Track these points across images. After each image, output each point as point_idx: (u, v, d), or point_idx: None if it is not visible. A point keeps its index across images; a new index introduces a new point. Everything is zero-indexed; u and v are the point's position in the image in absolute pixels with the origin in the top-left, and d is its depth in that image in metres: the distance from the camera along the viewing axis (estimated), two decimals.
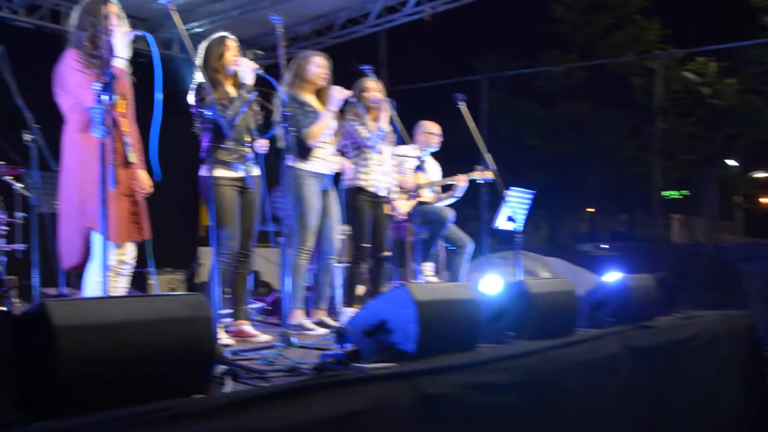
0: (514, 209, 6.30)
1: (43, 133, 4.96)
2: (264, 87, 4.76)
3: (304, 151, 5.17)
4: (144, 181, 4.21)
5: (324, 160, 5.27)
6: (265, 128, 4.91)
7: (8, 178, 6.34)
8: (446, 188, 6.95)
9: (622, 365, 4.37)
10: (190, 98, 4.67)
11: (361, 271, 5.68)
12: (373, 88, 5.75)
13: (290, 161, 5.03)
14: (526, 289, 4.19)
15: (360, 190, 5.68)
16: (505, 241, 7.35)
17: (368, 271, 5.73)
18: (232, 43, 4.81)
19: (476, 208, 6.30)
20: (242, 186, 4.74)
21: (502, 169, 6.29)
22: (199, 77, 4.65)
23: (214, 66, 4.70)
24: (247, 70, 4.69)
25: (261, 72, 4.70)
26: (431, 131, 6.89)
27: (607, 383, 4.22)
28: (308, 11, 9.75)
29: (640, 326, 4.82)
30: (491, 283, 5.12)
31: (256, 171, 4.80)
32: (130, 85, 4.12)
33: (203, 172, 4.68)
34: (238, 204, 4.72)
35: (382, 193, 5.81)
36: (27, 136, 4.91)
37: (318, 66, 5.29)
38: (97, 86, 3.27)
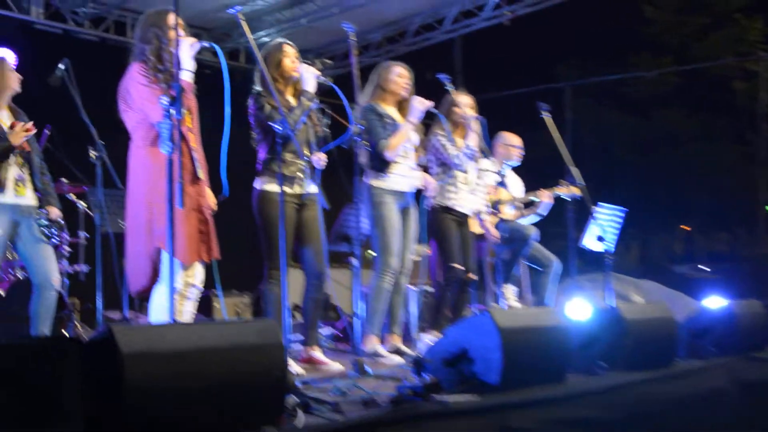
0: (603, 227, 6.19)
1: (108, 149, 5.09)
2: (332, 98, 4.79)
3: (381, 165, 5.19)
4: (210, 199, 4.28)
5: (403, 176, 5.29)
6: (326, 141, 4.94)
7: (71, 196, 6.55)
8: (529, 205, 6.88)
9: (728, 401, 4.22)
10: (249, 107, 4.75)
11: (450, 294, 5.68)
12: (465, 104, 5.78)
13: (367, 178, 5.05)
14: (619, 315, 4.11)
15: (446, 210, 5.70)
16: (593, 262, 7.20)
17: (451, 293, 5.73)
18: (290, 49, 4.86)
19: (562, 225, 6.21)
20: (299, 202, 4.78)
21: (589, 183, 6.20)
22: (257, 85, 4.73)
23: (272, 74, 4.76)
24: (309, 76, 4.73)
25: (323, 79, 4.73)
26: (512, 143, 6.85)
27: (712, 421, 4.08)
28: (380, 18, 9.83)
29: (748, 357, 4.66)
30: (580, 308, 5.03)
31: (313, 187, 4.83)
32: (195, 98, 4.19)
33: (257, 185, 4.74)
34: (294, 222, 4.75)
35: (468, 212, 5.81)
36: (92, 153, 5.05)
37: (399, 76, 5.34)
38: (165, 101, 3.34)
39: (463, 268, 5.66)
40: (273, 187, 4.64)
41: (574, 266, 6.03)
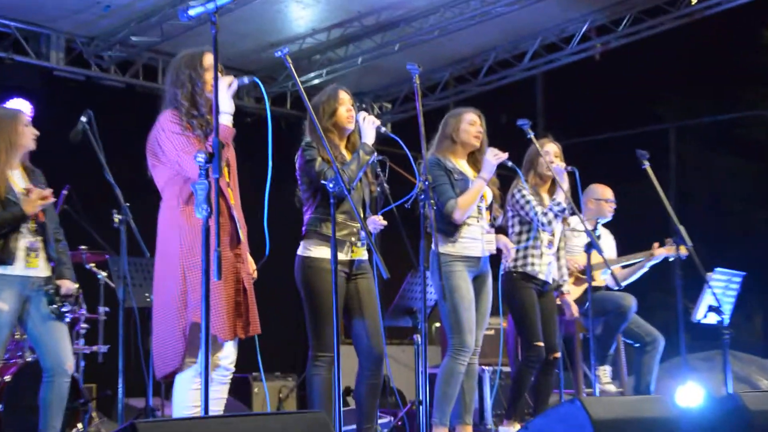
0: (718, 296, 6.06)
1: (134, 212, 5.17)
2: (392, 147, 4.81)
3: (449, 227, 5.19)
4: (250, 264, 4.31)
5: (476, 239, 5.26)
6: (385, 200, 4.94)
7: (91, 266, 6.66)
8: (626, 266, 6.81)
9: None
10: (297, 160, 4.79)
11: (532, 376, 5.61)
12: (554, 153, 5.81)
13: (434, 242, 5.04)
14: (740, 404, 3.99)
15: (525, 276, 5.67)
16: (707, 337, 7.04)
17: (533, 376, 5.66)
18: (346, 96, 4.90)
19: (667, 293, 6.10)
20: (351, 271, 4.78)
21: (700, 244, 6.08)
22: (307, 135, 4.77)
23: (325, 126, 4.79)
24: (368, 126, 4.75)
25: (384, 130, 4.76)
26: (604, 197, 6.80)
27: None
28: (448, 54, 9.92)
29: None
30: (691, 395, 4.90)
31: (367, 253, 4.82)
32: (233, 148, 4.23)
33: (302, 250, 4.75)
34: (344, 294, 4.73)
35: (550, 280, 5.77)
36: (115, 217, 5.12)
37: (471, 123, 5.37)
38: (201, 157, 3.35)
39: (543, 344, 5.59)
40: (321, 253, 4.64)
41: (683, 342, 5.88)
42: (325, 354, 4.56)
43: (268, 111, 3.87)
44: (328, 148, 4.28)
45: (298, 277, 4.72)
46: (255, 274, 4.30)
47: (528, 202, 5.70)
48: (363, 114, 4.82)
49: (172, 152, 3.99)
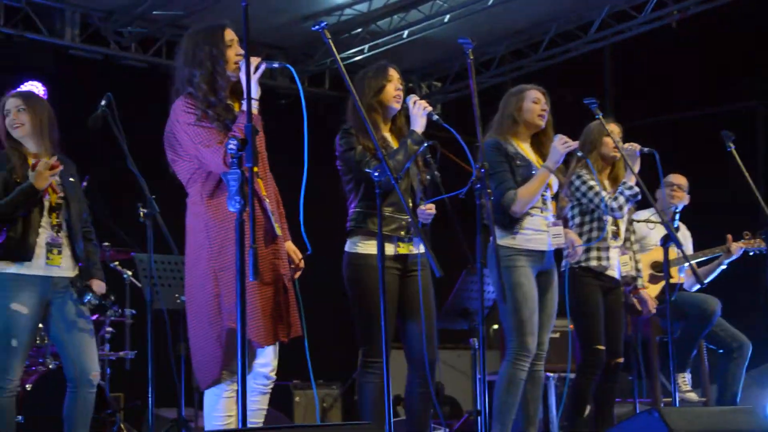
0: None
1: (161, 205, 5.23)
2: (445, 131, 4.83)
3: (510, 219, 5.18)
4: (294, 255, 4.32)
5: (540, 230, 5.27)
6: (436, 188, 4.95)
7: (115, 264, 6.75)
8: (703, 264, 6.79)
9: None
10: (336, 147, 4.84)
11: (592, 384, 5.62)
12: (615, 133, 5.78)
13: (492, 235, 5.07)
14: None
15: (590, 273, 5.66)
16: None
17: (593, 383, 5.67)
18: (395, 74, 4.93)
19: (757, 292, 6.07)
20: (403, 268, 4.82)
21: None
22: (348, 120, 4.81)
23: (370, 103, 4.83)
24: (418, 113, 4.77)
25: (436, 117, 4.76)
26: (676, 183, 6.79)
27: None
28: (505, 26, 9.89)
29: None
30: None
31: (420, 248, 4.86)
32: (263, 134, 4.23)
33: (349, 246, 4.80)
34: (397, 293, 4.77)
35: (618, 276, 5.76)
36: (141, 210, 5.18)
37: (535, 102, 5.37)
38: (233, 145, 3.38)
39: (604, 348, 5.59)
40: (368, 249, 4.70)
41: None
42: (377, 360, 4.61)
43: (303, 103, 3.85)
44: (372, 133, 4.27)
45: (346, 275, 4.77)
46: (302, 264, 4.32)
47: (591, 188, 5.67)
48: (414, 97, 4.83)
49: (190, 145, 4.01)
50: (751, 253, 6.36)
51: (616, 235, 5.80)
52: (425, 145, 4.78)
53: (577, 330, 5.73)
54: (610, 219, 5.75)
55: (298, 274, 4.30)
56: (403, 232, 4.79)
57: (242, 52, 4.05)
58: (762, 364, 7.07)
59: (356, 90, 4.71)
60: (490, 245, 4.88)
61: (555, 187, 5.38)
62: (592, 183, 5.68)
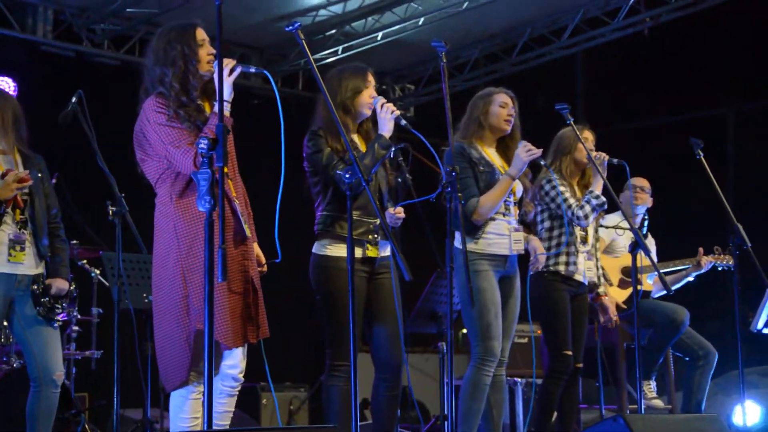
0: None
1: (131, 204, 5.20)
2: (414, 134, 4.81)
3: (472, 226, 5.18)
4: (259, 258, 4.32)
5: (502, 235, 5.27)
6: (407, 192, 4.93)
7: (83, 262, 6.71)
8: (671, 273, 6.82)
9: None
10: (304, 148, 4.80)
11: (559, 389, 5.63)
12: (589, 140, 5.80)
13: (457, 240, 5.07)
14: None
15: (558, 277, 5.68)
16: (766, 349, 7.05)
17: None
18: (372, 80, 4.91)
19: (724, 300, 6.10)
20: (370, 270, 4.81)
21: (759, 243, 6.07)
22: (317, 121, 4.78)
23: (344, 102, 4.80)
24: (386, 116, 4.72)
25: (405, 123, 4.69)
26: (639, 185, 6.83)
27: None
28: (479, 29, 9.90)
29: None
30: (749, 414, 4.92)
31: (386, 250, 4.85)
32: (232, 135, 4.20)
33: (317, 248, 4.78)
34: (365, 295, 4.75)
35: (584, 281, 5.77)
36: (110, 208, 5.15)
37: (501, 106, 5.35)
38: (203, 144, 3.36)
39: (571, 353, 5.61)
40: (336, 252, 4.69)
41: (740, 355, 5.89)
42: (344, 363, 4.59)
43: (280, 108, 3.87)
44: (343, 134, 4.24)
45: (313, 278, 4.75)
46: (264, 269, 4.33)
47: (559, 194, 5.69)
48: (381, 99, 4.78)
49: (160, 146, 3.99)
50: (720, 269, 6.40)
51: (584, 240, 5.81)
52: (393, 149, 4.75)
53: (546, 334, 5.75)
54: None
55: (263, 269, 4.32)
56: (371, 236, 4.77)
57: (214, 51, 4.03)
58: (727, 372, 7.11)
59: (330, 86, 4.73)
60: (456, 248, 4.89)
61: (519, 192, 5.37)
62: (561, 188, 5.69)
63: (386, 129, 4.72)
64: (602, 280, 6.08)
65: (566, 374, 5.63)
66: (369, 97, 4.82)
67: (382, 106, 4.74)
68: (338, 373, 4.65)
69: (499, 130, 5.35)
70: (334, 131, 4.65)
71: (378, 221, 4.73)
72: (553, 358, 5.65)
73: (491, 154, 5.34)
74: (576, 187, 5.86)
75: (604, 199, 5.63)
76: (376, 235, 4.77)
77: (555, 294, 5.65)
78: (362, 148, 4.82)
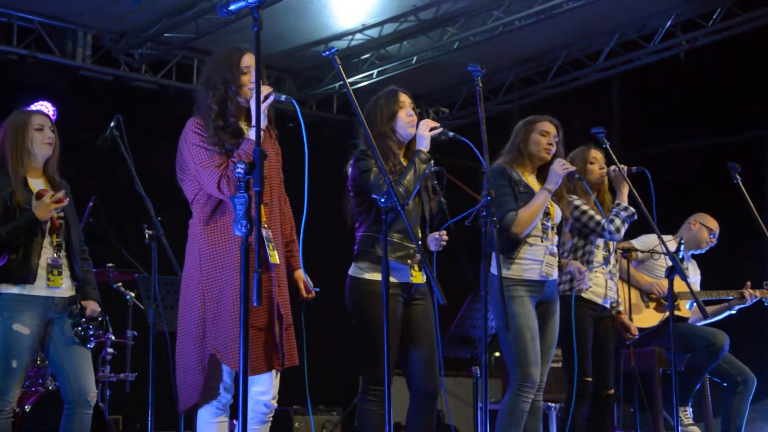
0: None
1: (167, 227, 5.21)
2: (450, 156, 4.79)
3: (510, 246, 5.13)
4: (302, 285, 4.34)
5: (538, 261, 5.21)
6: (443, 216, 4.91)
7: (119, 285, 6.73)
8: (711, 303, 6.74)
9: None
10: (350, 171, 4.78)
11: (578, 416, 5.57)
12: (599, 158, 5.77)
13: (493, 266, 5.04)
14: None
15: (583, 302, 5.62)
16: None
17: (582, 415, 5.60)
18: (406, 98, 4.88)
19: (762, 324, 6.03)
20: (407, 295, 4.78)
21: None
22: (363, 143, 4.77)
23: (383, 131, 4.79)
24: (423, 131, 4.72)
25: (452, 134, 4.71)
26: (710, 225, 6.75)
27: None
28: (513, 53, 9.91)
29: None
30: None
31: (424, 276, 4.80)
32: (276, 153, 4.25)
33: (354, 270, 4.76)
34: (402, 320, 4.73)
35: (608, 304, 5.72)
36: (146, 231, 5.17)
37: (543, 134, 5.33)
38: (240, 169, 3.35)
39: (591, 380, 5.55)
40: (374, 276, 4.66)
41: None
42: (379, 387, 4.57)
43: (305, 136, 3.86)
44: (379, 158, 4.24)
45: (350, 300, 4.73)
46: (311, 295, 4.36)
47: (584, 212, 5.64)
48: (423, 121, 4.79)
49: (192, 165, 4.05)
50: (766, 304, 6.33)
51: (606, 260, 5.76)
52: (433, 165, 4.74)
53: (565, 360, 5.65)
54: (600, 244, 5.72)
55: (310, 296, 4.38)
56: (410, 261, 4.75)
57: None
58: (766, 399, 7.02)
59: (368, 117, 4.75)
60: (492, 274, 4.86)
61: (558, 218, 5.33)
62: (585, 208, 5.65)
63: (423, 144, 4.71)
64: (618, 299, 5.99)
65: (587, 399, 5.56)
66: (406, 116, 4.81)
67: (419, 122, 4.75)
68: (373, 398, 4.61)
69: (539, 158, 5.33)
70: (381, 153, 4.63)
71: (416, 245, 4.72)
72: (576, 384, 5.57)
73: (531, 181, 5.31)
74: (593, 206, 5.80)
75: (632, 209, 5.57)
76: (416, 258, 4.74)
77: (579, 320, 5.57)
78: None
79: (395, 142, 4.82)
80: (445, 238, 4.78)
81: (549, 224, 5.27)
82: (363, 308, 4.68)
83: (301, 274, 4.36)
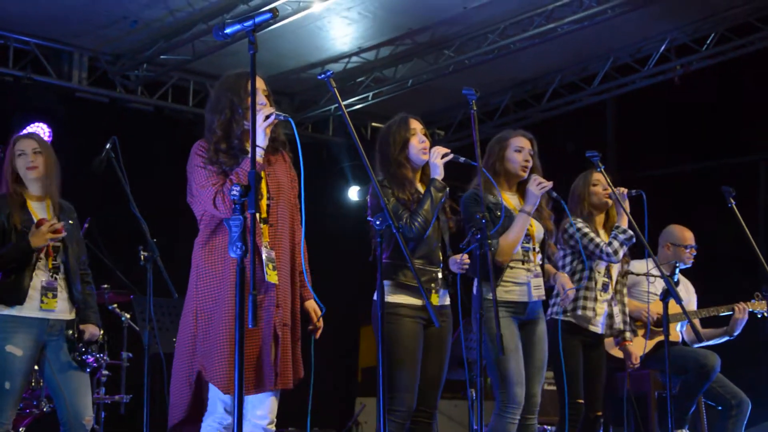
0: None
1: (162, 249, 5.22)
2: (454, 180, 4.81)
3: (495, 270, 5.09)
4: (313, 314, 4.36)
5: (519, 283, 5.17)
6: (459, 238, 4.93)
7: (114, 307, 6.73)
8: (708, 322, 6.72)
9: None
10: (368, 202, 4.82)
11: None
12: (601, 181, 5.76)
13: (476, 286, 5.06)
14: None
15: (573, 328, 5.63)
16: None
17: None
18: (417, 125, 4.91)
19: (757, 347, 6.03)
20: (427, 318, 4.77)
21: None
22: (379, 172, 4.79)
23: (397, 159, 4.82)
24: (435, 159, 4.76)
25: (463, 159, 4.77)
26: (683, 242, 6.72)
27: None
28: (508, 76, 9.95)
29: None
30: None
31: (446, 299, 4.85)
32: (287, 172, 4.28)
33: (378, 296, 4.77)
34: (421, 343, 4.76)
35: (601, 331, 5.71)
36: (142, 253, 5.18)
37: (517, 151, 5.27)
38: (236, 191, 3.36)
39: (583, 402, 5.55)
40: (398, 299, 4.70)
41: None
42: (401, 408, 4.63)
43: (301, 158, 3.91)
44: (377, 187, 4.28)
45: (376, 325, 4.72)
46: (320, 323, 4.38)
47: (585, 234, 5.64)
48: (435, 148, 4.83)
49: (194, 186, 4.10)
50: (759, 316, 6.32)
51: (605, 285, 5.75)
52: (448, 191, 4.78)
53: (557, 382, 5.64)
54: (602, 270, 5.72)
55: (318, 333, 4.40)
56: (433, 284, 4.77)
57: (264, 101, 4.14)
58: (761, 422, 7.01)
59: (381, 145, 4.88)
60: (474, 296, 4.89)
61: (539, 236, 5.27)
62: (586, 230, 5.65)
63: (437, 173, 4.77)
64: (627, 326, 5.99)
65: (579, 422, 5.56)
66: (419, 143, 4.85)
67: (430, 151, 4.80)
68: (393, 418, 4.63)
69: (515, 176, 5.28)
70: (398, 182, 4.73)
71: (439, 269, 4.78)
72: (567, 407, 5.56)
73: (509, 200, 5.24)
74: (602, 230, 5.81)
75: (631, 233, 5.56)
76: (439, 282, 4.78)
77: (567, 346, 5.57)
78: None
79: (410, 170, 4.86)
80: (467, 261, 4.80)
81: (530, 246, 5.21)
82: (391, 331, 4.66)
83: (312, 304, 4.38)
